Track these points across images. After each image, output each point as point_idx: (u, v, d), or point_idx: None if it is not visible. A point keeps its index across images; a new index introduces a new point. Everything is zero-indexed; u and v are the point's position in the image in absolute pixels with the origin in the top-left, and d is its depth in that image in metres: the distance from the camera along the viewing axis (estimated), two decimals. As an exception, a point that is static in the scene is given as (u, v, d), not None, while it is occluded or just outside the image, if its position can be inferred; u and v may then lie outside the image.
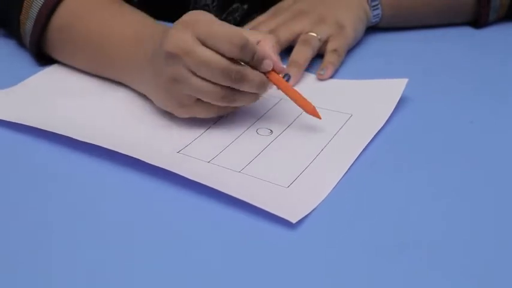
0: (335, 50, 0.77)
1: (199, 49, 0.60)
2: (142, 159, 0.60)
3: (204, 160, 0.62)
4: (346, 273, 0.51)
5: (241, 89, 0.62)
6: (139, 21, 0.71)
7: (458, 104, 0.72)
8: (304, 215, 0.55)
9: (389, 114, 0.68)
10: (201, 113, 0.65)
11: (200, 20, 0.62)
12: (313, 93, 0.72)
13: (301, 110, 0.67)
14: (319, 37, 0.78)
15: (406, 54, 0.83)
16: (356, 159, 0.62)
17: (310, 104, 0.65)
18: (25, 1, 0.75)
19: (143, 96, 0.70)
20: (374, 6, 0.83)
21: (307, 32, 0.78)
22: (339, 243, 0.54)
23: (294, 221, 0.54)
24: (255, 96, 0.64)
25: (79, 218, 0.56)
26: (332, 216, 0.56)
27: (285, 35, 0.78)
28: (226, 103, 0.63)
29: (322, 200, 0.57)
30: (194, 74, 0.61)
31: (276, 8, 0.84)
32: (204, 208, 0.57)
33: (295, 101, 0.65)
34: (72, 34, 0.74)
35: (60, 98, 0.71)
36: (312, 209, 0.56)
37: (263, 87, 0.63)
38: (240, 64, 0.62)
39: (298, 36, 0.78)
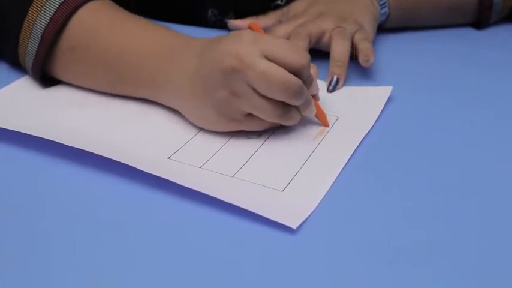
0: (365, 38, 0.78)
1: (262, 62, 0.60)
2: (133, 166, 0.59)
3: (195, 166, 0.61)
4: (347, 276, 0.51)
5: (295, 104, 0.62)
6: (164, 34, 0.68)
7: (458, 104, 0.73)
8: (303, 220, 0.55)
9: (375, 118, 0.69)
10: (250, 127, 0.64)
11: (262, 36, 0.62)
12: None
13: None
14: (348, 31, 0.78)
15: (406, 54, 0.84)
16: (348, 160, 0.63)
17: (327, 123, 0.68)
18: (25, 19, 0.68)
19: (129, 102, 0.69)
20: (382, 4, 0.84)
21: (334, 28, 0.78)
22: (337, 246, 0.54)
23: (294, 227, 0.54)
24: (299, 116, 0.64)
25: (71, 225, 0.55)
26: (329, 219, 0.56)
27: (315, 30, 0.78)
28: (278, 120, 0.63)
29: (318, 203, 0.57)
30: (254, 90, 0.60)
31: (293, 13, 0.84)
32: (199, 214, 0.56)
33: (319, 119, 0.68)
34: (89, 53, 0.68)
35: (46, 104, 0.69)
36: (310, 213, 0.56)
37: (309, 107, 0.65)
38: None
39: (324, 33, 0.78)
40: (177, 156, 0.62)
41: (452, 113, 0.72)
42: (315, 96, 0.66)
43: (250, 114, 0.62)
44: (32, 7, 0.68)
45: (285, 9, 0.86)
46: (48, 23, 0.67)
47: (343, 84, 0.76)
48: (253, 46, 0.60)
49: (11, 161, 0.63)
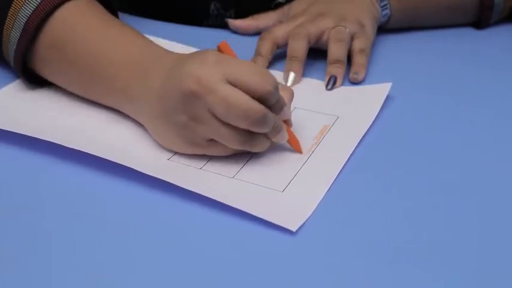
0: (362, 50, 0.78)
1: (223, 87, 0.56)
2: (134, 168, 0.59)
3: (195, 167, 0.61)
4: (347, 277, 0.51)
5: (260, 132, 0.59)
6: (141, 45, 0.65)
7: (458, 104, 0.73)
8: (302, 222, 0.55)
9: (374, 116, 0.69)
10: (213, 152, 0.61)
11: (228, 58, 0.59)
12: (298, 94, 0.72)
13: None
14: (347, 30, 0.78)
15: (406, 53, 0.85)
16: (348, 160, 0.63)
17: (301, 150, 0.64)
18: (11, 7, 0.67)
19: None
20: (383, 6, 0.84)
21: (333, 27, 0.78)
22: (337, 246, 0.54)
23: (294, 229, 0.54)
24: (268, 142, 0.61)
25: (71, 225, 0.55)
26: (329, 219, 0.56)
27: (314, 30, 0.78)
28: (242, 148, 0.60)
29: (318, 203, 0.57)
30: (214, 115, 0.57)
31: (293, 13, 0.84)
32: (199, 214, 0.56)
33: (292, 145, 0.64)
34: (64, 53, 0.66)
35: (43, 105, 0.69)
36: (309, 214, 0.56)
37: (280, 133, 0.61)
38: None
39: (323, 32, 0.78)
40: (176, 158, 0.62)
41: (452, 113, 0.72)
42: (288, 122, 0.63)
43: (213, 140, 0.59)
44: None
45: (285, 9, 0.86)
46: (32, 12, 0.66)
47: (343, 84, 0.76)
48: (216, 69, 0.57)
49: (11, 161, 0.63)
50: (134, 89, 0.63)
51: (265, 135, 0.60)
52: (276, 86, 0.59)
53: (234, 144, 0.59)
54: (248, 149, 0.60)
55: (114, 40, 0.66)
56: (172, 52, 0.64)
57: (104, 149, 0.61)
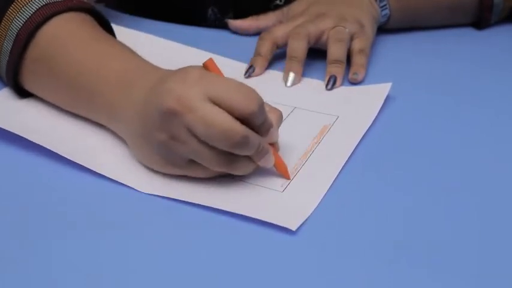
0: (362, 50, 0.78)
1: (204, 105, 0.53)
2: (130, 186, 0.59)
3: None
4: (347, 277, 0.51)
5: (241, 154, 0.56)
6: (128, 61, 0.63)
7: (459, 104, 0.73)
8: (302, 221, 0.55)
9: (375, 116, 0.69)
10: (193, 173, 0.58)
11: (212, 75, 0.56)
12: (298, 94, 0.73)
13: (287, 112, 0.69)
14: (347, 30, 0.78)
15: (407, 53, 0.85)
16: (348, 159, 0.63)
17: (288, 175, 0.60)
18: (4, 17, 0.65)
19: None
20: (382, 6, 0.84)
21: (333, 27, 0.78)
22: (337, 246, 0.54)
23: (294, 228, 0.54)
24: (252, 166, 0.58)
25: (71, 225, 0.55)
26: (328, 219, 0.56)
27: (314, 30, 0.78)
28: (223, 170, 0.57)
29: (318, 204, 0.57)
30: (193, 134, 0.54)
31: (293, 13, 0.84)
32: (199, 214, 0.56)
33: (279, 170, 0.60)
34: (50, 67, 0.64)
35: (35, 111, 0.68)
36: (309, 214, 0.56)
37: (265, 157, 0.58)
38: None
39: (323, 33, 0.78)
40: None
41: (452, 113, 0.72)
42: (274, 145, 0.60)
43: (193, 160, 0.57)
44: (12, 6, 0.66)
45: (285, 9, 0.86)
46: (25, 22, 0.65)
47: (342, 84, 0.76)
48: (198, 87, 0.54)
49: (11, 161, 0.63)
50: (116, 103, 0.61)
51: (248, 158, 0.57)
52: (262, 106, 0.55)
53: (213, 165, 0.56)
54: (229, 171, 0.57)
55: (100, 54, 0.64)
56: (159, 68, 0.61)
57: (93, 161, 0.61)
